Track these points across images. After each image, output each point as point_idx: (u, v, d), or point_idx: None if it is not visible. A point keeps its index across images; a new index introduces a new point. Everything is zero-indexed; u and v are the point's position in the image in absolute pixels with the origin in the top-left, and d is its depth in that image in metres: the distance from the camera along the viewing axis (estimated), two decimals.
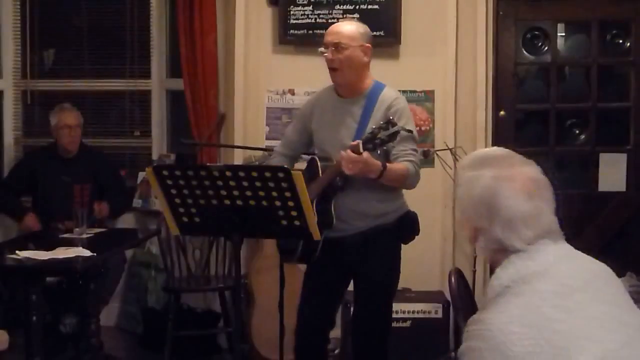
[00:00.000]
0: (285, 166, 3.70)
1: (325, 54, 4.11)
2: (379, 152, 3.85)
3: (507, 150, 2.28)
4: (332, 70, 4.13)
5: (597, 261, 2.18)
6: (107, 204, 5.92)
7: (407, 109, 4.14)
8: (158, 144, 6.71)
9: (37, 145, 6.56)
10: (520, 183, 2.12)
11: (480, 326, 2.02)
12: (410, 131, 3.91)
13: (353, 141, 3.86)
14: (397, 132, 3.78)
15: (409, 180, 4.05)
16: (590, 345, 1.93)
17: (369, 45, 4.15)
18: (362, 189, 4.03)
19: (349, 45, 4.07)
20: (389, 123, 3.80)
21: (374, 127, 3.84)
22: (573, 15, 6.19)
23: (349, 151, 3.79)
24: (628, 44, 6.15)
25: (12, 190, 6.11)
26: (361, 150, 3.77)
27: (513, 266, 2.08)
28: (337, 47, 4.07)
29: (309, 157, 4.33)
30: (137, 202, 6.45)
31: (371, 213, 4.09)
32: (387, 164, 3.92)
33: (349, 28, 4.15)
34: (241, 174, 3.43)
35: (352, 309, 4.50)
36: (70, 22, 6.95)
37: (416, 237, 4.24)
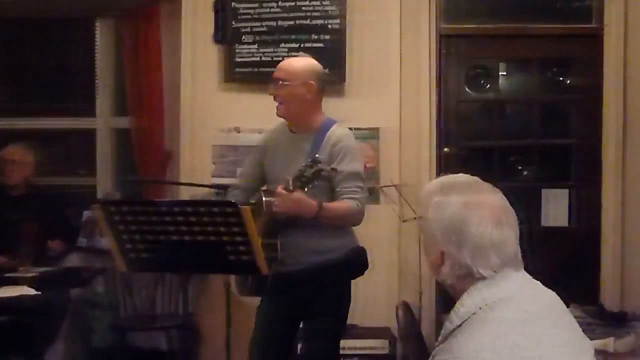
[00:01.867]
0: (233, 201, 3.70)
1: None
2: (305, 189, 3.84)
3: (474, 177, 2.28)
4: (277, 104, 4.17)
5: (548, 289, 2.21)
6: (60, 241, 5.83)
7: (352, 147, 4.14)
8: (103, 183, 6.66)
9: None
10: (489, 210, 2.12)
11: (448, 355, 2.02)
12: (334, 170, 3.90)
13: None
14: (319, 171, 3.80)
15: (350, 218, 4.06)
16: None
17: (313, 82, 4.15)
18: (307, 225, 4.01)
19: (290, 83, 4.11)
20: (314, 162, 3.82)
21: (302, 164, 3.87)
22: (515, 53, 6.31)
23: (279, 189, 3.82)
24: (569, 82, 6.29)
25: None
26: (291, 187, 3.80)
27: (479, 293, 2.08)
28: (279, 82, 4.12)
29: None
30: (81, 241, 6.37)
31: (318, 249, 4.07)
32: (324, 204, 3.92)
33: (293, 65, 4.20)
34: (189, 209, 3.43)
35: (299, 345, 4.49)
36: (16, 61, 6.90)
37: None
